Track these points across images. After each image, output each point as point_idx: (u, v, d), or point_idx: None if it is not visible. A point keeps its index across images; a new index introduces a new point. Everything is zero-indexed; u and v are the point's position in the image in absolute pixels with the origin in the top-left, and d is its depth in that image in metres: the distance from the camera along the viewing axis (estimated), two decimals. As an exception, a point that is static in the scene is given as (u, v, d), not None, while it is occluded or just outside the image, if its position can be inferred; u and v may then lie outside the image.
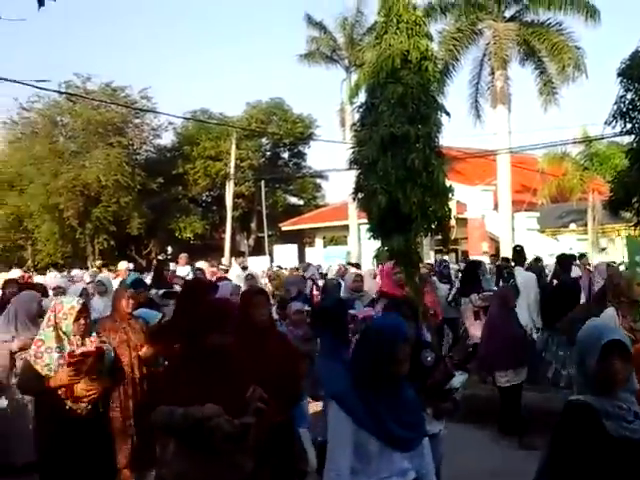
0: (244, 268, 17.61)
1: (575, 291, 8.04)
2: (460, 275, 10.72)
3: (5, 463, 5.47)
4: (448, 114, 10.88)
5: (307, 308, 7.60)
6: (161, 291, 8.37)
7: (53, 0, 2.83)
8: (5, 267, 29.60)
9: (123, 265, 13.91)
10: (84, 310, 4.50)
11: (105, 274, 16.47)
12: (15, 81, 16.67)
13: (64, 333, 4.38)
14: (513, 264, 10.09)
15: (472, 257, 23.68)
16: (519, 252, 9.78)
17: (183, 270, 14.97)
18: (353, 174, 11.61)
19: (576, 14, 21.97)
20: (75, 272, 20.39)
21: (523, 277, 8.92)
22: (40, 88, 24.54)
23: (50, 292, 9.73)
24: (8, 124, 35.29)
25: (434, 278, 11.16)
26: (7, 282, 7.93)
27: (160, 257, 34.75)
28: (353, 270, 11.70)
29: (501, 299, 7.04)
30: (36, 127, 34.47)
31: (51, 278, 15.86)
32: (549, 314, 7.96)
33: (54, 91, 26.42)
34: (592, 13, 21.82)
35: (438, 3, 22.58)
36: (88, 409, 4.35)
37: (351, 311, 7.18)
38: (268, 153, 40.15)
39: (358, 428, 2.83)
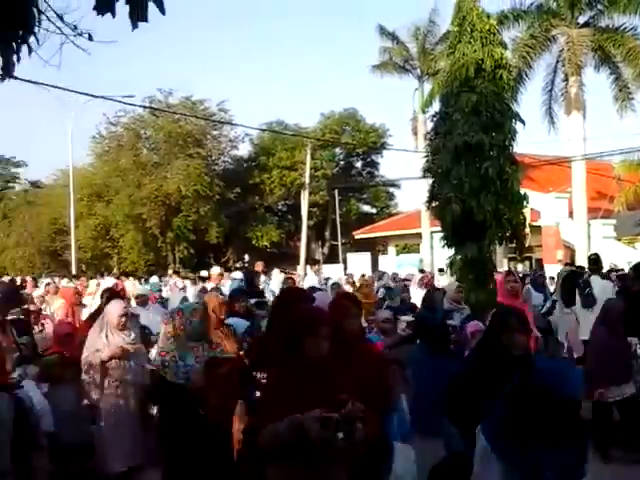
0: (326, 279, 17.77)
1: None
2: (558, 285, 10.34)
3: (102, 472, 5.54)
4: (523, 122, 10.95)
5: (410, 318, 7.84)
6: (253, 300, 8.43)
7: (146, 21, 2.69)
8: (94, 274, 31.23)
9: (216, 270, 14.04)
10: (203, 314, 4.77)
11: (177, 280, 17.10)
12: (104, 97, 17.82)
13: (189, 338, 4.60)
14: (589, 273, 9.95)
15: (546, 265, 23.36)
16: (595, 260, 9.62)
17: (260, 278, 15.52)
18: (426, 182, 11.79)
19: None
20: (154, 280, 20.94)
21: (600, 286, 8.80)
22: (126, 103, 26.04)
23: (132, 301, 9.85)
24: (97, 138, 37.21)
25: (528, 287, 10.95)
26: (104, 291, 8.18)
27: (237, 265, 35.74)
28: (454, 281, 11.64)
29: (608, 312, 6.65)
30: (122, 140, 36.04)
31: (131, 286, 16.33)
32: (632, 323, 7.78)
33: (138, 105, 27.94)
34: (668, 15, 21.16)
35: (511, 11, 22.41)
36: (218, 420, 4.16)
37: (450, 322, 7.43)
38: (342, 162, 40.62)
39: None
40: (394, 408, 4.32)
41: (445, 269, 12.58)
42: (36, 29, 2.69)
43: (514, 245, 11.30)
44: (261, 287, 13.55)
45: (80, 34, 2.83)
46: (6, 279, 20.03)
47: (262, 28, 77.66)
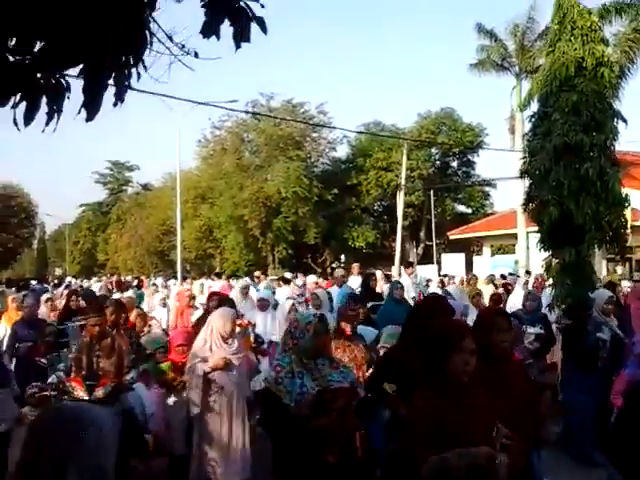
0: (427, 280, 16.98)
1: None
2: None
3: (167, 452, 5.87)
4: (625, 121, 10.64)
5: (539, 331, 7.32)
6: (369, 304, 8.11)
7: (249, 42, 2.78)
8: (197, 274, 32.75)
9: (312, 279, 14.01)
10: (324, 325, 4.18)
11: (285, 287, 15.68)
12: (208, 104, 18.76)
13: (304, 354, 4.04)
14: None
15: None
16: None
17: (355, 280, 14.76)
18: (523, 183, 11.67)
19: None
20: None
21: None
22: (229, 109, 27.15)
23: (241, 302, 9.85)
24: (202, 142, 38.91)
25: None
26: (211, 295, 7.89)
27: (334, 265, 36.32)
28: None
29: None
30: (225, 144, 37.42)
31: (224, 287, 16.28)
32: None
33: (240, 111, 29.10)
34: None
35: (613, 4, 21.56)
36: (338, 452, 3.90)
37: (600, 335, 6.76)
38: (438, 162, 40.36)
39: None
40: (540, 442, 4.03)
41: (542, 272, 12.37)
42: (147, 51, 2.82)
43: (614, 249, 10.95)
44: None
45: (187, 53, 2.92)
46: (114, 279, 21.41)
47: (359, 30, 78.22)
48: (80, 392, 5.05)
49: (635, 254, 24.69)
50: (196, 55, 2.94)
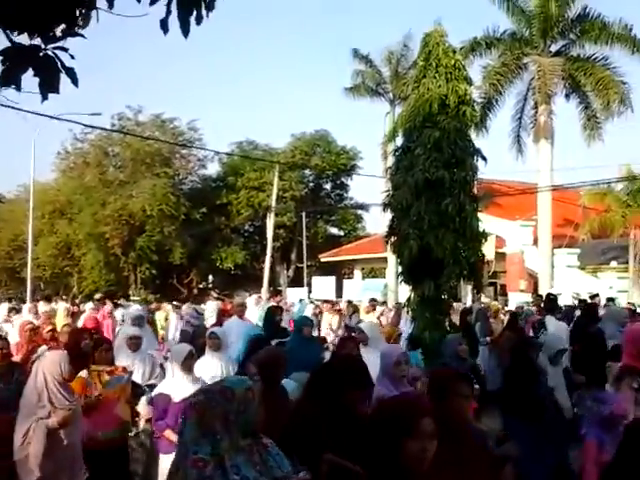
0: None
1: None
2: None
3: None
4: (485, 159, 10.83)
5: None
6: (274, 341, 7.20)
7: (57, 92, 2.65)
8: (52, 293, 30.44)
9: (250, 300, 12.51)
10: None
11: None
12: (68, 120, 17.53)
13: (242, 434, 2.92)
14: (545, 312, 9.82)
15: (510, 294, 23.41)
16: (552, 300, 9.52)
17: (254, 311, 14.05)
18: (388, 216, 11.61)
19: (623, 48, 21.75)
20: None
21: (555, 326, 8.69)
22: (89, 126, 25.63)
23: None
24: (62, 154, 36.57)
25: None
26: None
27: (201, 286, 35.23)
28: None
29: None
30: (88, 157, 35.49)
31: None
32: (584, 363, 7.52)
33: (102, 128, 27.81)
34: (638, 47, 21.57)
35: (483, 38, 22.59)
36: None
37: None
38: (311, 184, 40.45)
39: None
40: None
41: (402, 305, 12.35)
42: None
43: (471, 282, 11.09)
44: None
45: (8, 85, 2.72)
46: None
47: (236, 48, 77.80)
48: None
49: (499, 279, 25.87)
50: (18, 89, 2.69)
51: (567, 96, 23.02)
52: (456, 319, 11.05)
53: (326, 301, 19.30)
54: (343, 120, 72.04)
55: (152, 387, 6.10)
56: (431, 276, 10.06)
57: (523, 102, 23.36)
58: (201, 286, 35.45)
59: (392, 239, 10.83)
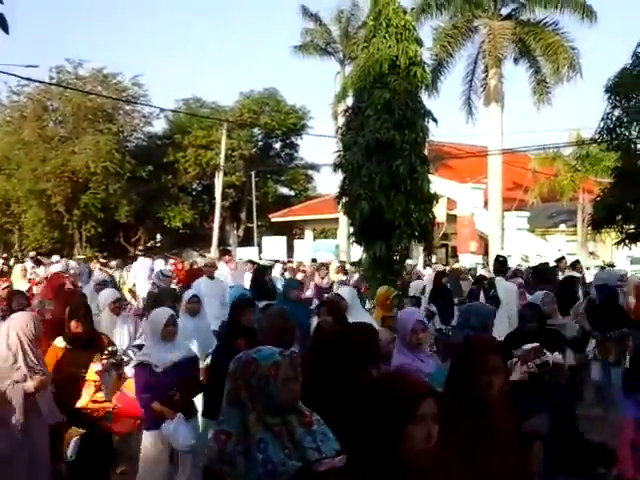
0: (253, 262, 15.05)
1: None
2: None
3: None
4: (435, 120, 10.87)
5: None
6: (262, 303, 6.25)
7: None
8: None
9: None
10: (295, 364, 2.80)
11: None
12: (3, 72, 16.67)
13: (268, 410, 2.64)
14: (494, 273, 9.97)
15: (460, 255, 23.80)
16: (502, 262, 9.66)
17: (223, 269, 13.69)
18: (339, 177, 11.55)
19: (573, 14, 21.90)
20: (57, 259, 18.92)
21: (504, 288, 8.81)
22: (26, 79, 24.53)
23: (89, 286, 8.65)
24: (-3, 107, 34.96)
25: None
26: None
27: (148, 245, 34.65)
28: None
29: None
30: (25, 111, 34.02)
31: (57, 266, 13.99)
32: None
33: (40, 81, 26.59)
34: (588, 13, 21.76)
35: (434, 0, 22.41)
36: None
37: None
38: (260, 143, 39.89)
39: None
40: None
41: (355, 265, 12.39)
42: None
43: (423, 244, 11.18)
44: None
45: None
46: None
47: (182, 1, 75.23)
48: None
49: (450, 241, 26.27)
50: None
51: (516, 60, 23.17)
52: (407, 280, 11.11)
53: (278, 261, 19.08)
54: (292, 79, 71.11)
55: (139, 347, 5.75)
56: (382, 237, 10.13)
57: (474, 65, 23.40)
58: (149, 245, 34.83)
59: (343, 200, 10.80)
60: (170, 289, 8.90)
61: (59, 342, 5.18)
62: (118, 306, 6.60)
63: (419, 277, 12.63)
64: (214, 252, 29.53)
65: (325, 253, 25.47)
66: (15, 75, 18.28)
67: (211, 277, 9.14)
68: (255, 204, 33.88)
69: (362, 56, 10.88)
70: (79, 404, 4.92)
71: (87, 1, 71.04)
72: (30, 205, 33.26)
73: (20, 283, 9.87)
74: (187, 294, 6.73)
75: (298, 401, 2.64)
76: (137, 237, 35.43)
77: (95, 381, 4.99)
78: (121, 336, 6.33)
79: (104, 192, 32.33)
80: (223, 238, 34.76)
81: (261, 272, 8.84)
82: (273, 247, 29.99)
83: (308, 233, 34.70)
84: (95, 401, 5.00)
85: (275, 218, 35.03)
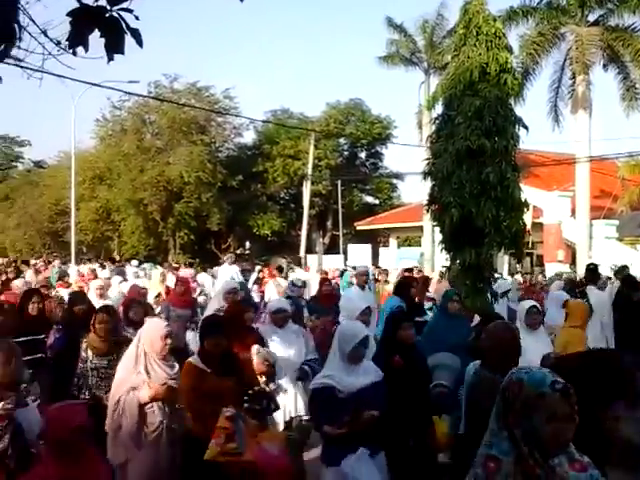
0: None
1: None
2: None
3: None
4: (526, 127, 10.81)
5: None
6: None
7: (122, 53, 2.67)
8: (94, 257, 31.31)
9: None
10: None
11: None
12: (108, 87, 17.96)
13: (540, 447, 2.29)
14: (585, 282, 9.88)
15: (547, 264, 23.35)
16: (592, 271, 9.56)
17: (230, 270, 13.99)
18: (427, 184, 11.70)
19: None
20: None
21: (596, 297, 8.77)
22: (128, 93, 26.10)
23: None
24: (101, 122, 37.10)
25: None
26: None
27: (238, 252, 35.80)
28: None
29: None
30: (125, 125, 35.95)
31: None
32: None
33: (140, 95, 28.10)
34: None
35: (520, 7, 22.21)
36: None
37: None
38: (346, 153, 40.45)
39: None
40: None
41: (443, 273, 12.46)
42: (15, 48, 2.65)
43: (509, 252, 11.15)
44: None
45: (64, 50, 2.75)
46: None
47: (271, 16, 77.18)
48: None
49: (536, 250, 25.80)
50: (74, 54, 2.70)
51: (605, 66, 22.60)
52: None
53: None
54: (377, 89, 71.40)
55: (313, 361, 5.52)
56: (472, 244, 10.13)
57: (560, 72, 23.01)
58: (238, 252, 35.97)
59: (433, 207, 10.92)
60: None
61: (195, 360, 4.72)
62: (282, 317, 5.90)
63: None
64: (301, 258, 30.27)
65: (409, 261, 25.57)
66: (119, 90, 19.46)
67: (362, 286, 8.67)
68: (341, 212, 34.40)
69: (452, 64, 10.99)
70: (207, 456, 4.10)
71: (181, 19, 74.12)
72: (129, 214, 35.01)
73: (158, 288, 10.16)
74: (271, 305, 6.35)
75: (569, 444, 2.26)
76: (227, 244, 36.66)
77: (225, 428, 4.17)
78: (291, 349, 5.81)
79: (197, 201, 33.65)
80: (310, 246, 35.46)
81: (407, 283, 7.82)
82: (358, 255, 30.35)
83: (392, 241, 34.86)
84: (226, 453, 4.10)
85: (360, 226, 35.41)
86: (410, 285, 7.72)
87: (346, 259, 29.61)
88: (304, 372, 5.73)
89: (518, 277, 16.06)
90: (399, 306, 7.03)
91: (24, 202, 40.49)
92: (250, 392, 4.37)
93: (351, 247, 32.97)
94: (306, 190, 33.63)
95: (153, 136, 36.52)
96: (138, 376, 4.41)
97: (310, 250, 34.45)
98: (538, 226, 23.98)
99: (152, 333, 4.51)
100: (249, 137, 39.85)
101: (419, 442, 4.45)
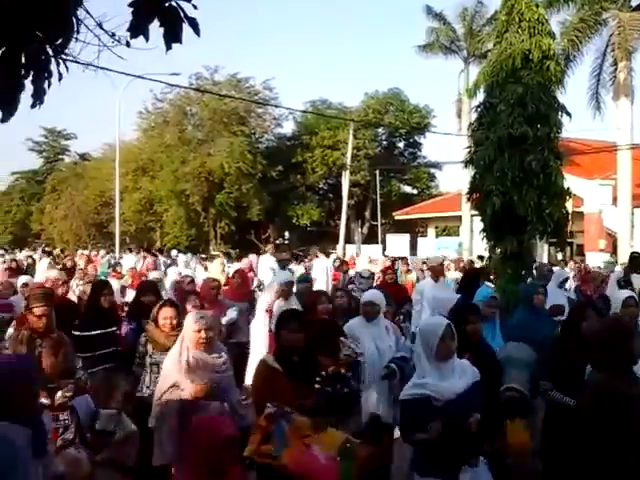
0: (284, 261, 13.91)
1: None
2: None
3: None
4: (569, 114, 10.76)
5: None
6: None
7: (180, 42, 2.64)
8: (136, 247, 32.03)
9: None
10: None
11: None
12: (150, 79, 18.28)
13: None
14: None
15: (588, 254, 23.07)
16: (637, 259, 9.48)
17: (268, 260, 14.14)
18: (467, 172, 11.72)
19: None
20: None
21: (640, 285, 8.70)
22: (171, 85, 26.58)
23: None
24: (143, 114, 37.77)
25: None
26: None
27: (277, 242, 36.19)
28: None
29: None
30: (167, 117, 36.49)
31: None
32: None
33: (181, 86, 28.68)
34: None
35: (561, -7, 21.86)
36: None
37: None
38: (384, 142, 40.38)
39: None
40: None
41: (484, 260, 12.50)
42: (73, 40, 2.66)
43: (555, 240, 11.12)
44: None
45: (119, 42, 2.78)
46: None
47: (308, 7, 77.10)
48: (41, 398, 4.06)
49: (576, 239, 25.47)
50: (128, 45, 2.75)
51: (648, 53, 22.12)
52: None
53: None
54: (416, 78, 70.96)
55: (401, 359, 5.13)
56: (514, 233, 10.14)
57: (602, 58, 22.60)
58: (278, 242, 36.34)
59: (474, 196, 10.94)
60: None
61: (270, 360, 4.31)
62: (372, 310, 5.42)
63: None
64: (339, 249, 30.46)
65: (448, 251, 25.53)
66: (161, 82, 19.80)
67: (436, 279, 8.33)
68: (379, 202, 34.46)
69: (493, 52, 10.97)
70: (246, 452, 3.76)
71: (221, 10, 74.68)
72: (171, 204, 35.60)
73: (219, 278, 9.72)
74: (365, 297, 5.75)
75: None
76: (267, 235, 37.05)
77: (263, 427, 3.81)
78: (376, 345, 5.26)
79: (237, 192, 34.03)
80: (348, 236, 35.61)
81: (474, 274, 7.16)
82: (397, 245, 30.43)
83: (430, 231, 34.80)
84: (262, 454, 3.75)
85: (399, 216, 35.41)
86: (478, 276, 7.11)
87: (384, 249, 29.70)
88: (391, 370, 5.05)
89: (571, 264, 15.89)
90: (463, 298, 6.58)
91: (70, 194, 41.51)
92: (324, 373, 4.05)
93: (389, 237, 33.04)
94: (345, 180, 33.74)
95: (194, 127, 36.99)
96: (181, 371, 4.28)
97: (349, 240, 34.60)
98: (579, 215, 23.67)
99: (188, 326, 4.43)
100: (288, 128, 40.18)
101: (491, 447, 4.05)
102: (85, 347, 5.30)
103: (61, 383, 4.00)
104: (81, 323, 5.85)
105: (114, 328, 5.90)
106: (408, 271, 14.33)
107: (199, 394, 4.19)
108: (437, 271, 8.27)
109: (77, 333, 5.58)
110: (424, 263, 15.86)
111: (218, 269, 11.50)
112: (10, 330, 5.13)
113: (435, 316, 4.37)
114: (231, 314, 7.45)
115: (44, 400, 3.93)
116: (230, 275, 9.54)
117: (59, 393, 4.03)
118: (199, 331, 4.32)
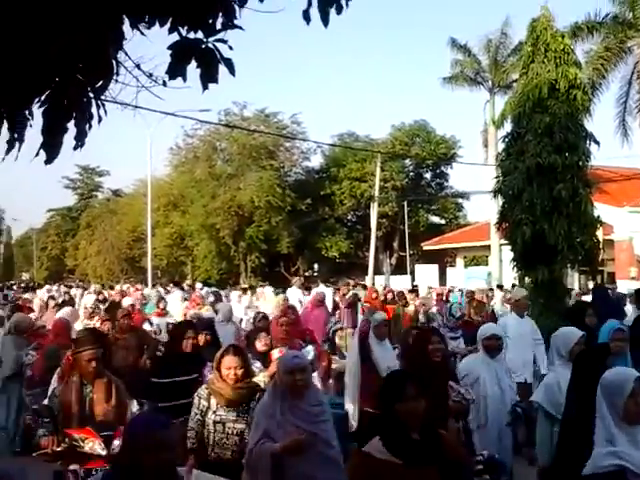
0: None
1: None
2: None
3: None
4: (597, 142, 10.83)
5: None
6: None
7: (216, 82, 2.70)
8: (168, 281, 32.45)
9: None
10: None
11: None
12: (182, 116, 18.77)
13: None
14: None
15: (619, 281, 22.76)
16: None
17: (296, 292, 14.15)
18: (496, 202, 11.78)
19: None
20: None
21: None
22: (200, 121, 27.14)
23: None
24: (174, 150, 38.62)
25: None
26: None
27: (307, 274, 36.34)
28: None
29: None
30: (197, 152, 37.22)
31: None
32: None
33: (211, 123, 29.12)
34: None
35: (585, 23, 21.99)
36: None
37: None
38: (411, 174, 40.57)
39: None
40: None
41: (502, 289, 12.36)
42: (113, 81, 2.72)
43: (586, 269, 11.07)
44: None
45: (156, 82, 2.84)
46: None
47: (335, 40, 78.52)
48: (96, 446, 3.90)
49: (606, 267, 25.16)
50: (164, 84, 2.84)
51: (674, 80, 22.04)
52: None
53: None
54: (442, 110, 71.38)
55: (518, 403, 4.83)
56: (544, 262, 10.15)
57: (628, 86, 22.56)
58: (307, 274, 36.49)
59: (503, 225, 11.00)
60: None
61: (375, 450, 2.86)
62: (494, 345, 4.84)
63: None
64: (369, 280, 30.45)
65: (477, 280, 25.37)
66: (192, 118, 20.25)
67: (521, 315, 7.50)
68: (407, 233, 34.49)
69: (520, 82, 11.15)
70: None
71: (247, 47, 76.39)
72: (201, 238, 36.03)
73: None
74: (485, 330, 5.14)
75: None
76: (296, 267, 37.21)
77: None
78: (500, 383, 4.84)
79: (267, 225, 34.37)
80: (377, 267, 35.62)
81: (579, 309, 6.48)
82: (425, 275, 30.30)
83: (459, 261, 34.62)
84: None
85: (427, 246, 35.35)
86: (584, 310, 6.32)
87: (413, 280, 29.60)
88: (517, 415, 4.65)
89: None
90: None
91: (104, 230, 42.40)
92: (480, 456, 3.58)
93: (418, 267, 32.93)
94: (373, 212, 33.88)
95: (224, 162, 37.60)
96: (271, 420, 3.63)
97: (377, 271, 34.60)
98: (609, 243, 23.45)
99: (280, 368, 3.83)
100: (316, 161, 40.61)
101: None
102: (164, 396, 4.95)
103: (117, 431, 3.76)
104: (161, 369, 5.45)
105: (196, 375, 5.25)
106: (406, 304, 12.68)
107: (292, 447, 3.54)
108: (522, 306, 7.48)
109: (156, 380, 5.22)
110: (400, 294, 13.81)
111: (277, 304, 10.25)
112: (54, 379, 4.82)
113: (620, 367, 3.31)
114: (309, 354, 6.39)
115: (100, 450, 3.84)
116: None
117: (116, 442, 3.78)
118: (292, 372, 3.67)
